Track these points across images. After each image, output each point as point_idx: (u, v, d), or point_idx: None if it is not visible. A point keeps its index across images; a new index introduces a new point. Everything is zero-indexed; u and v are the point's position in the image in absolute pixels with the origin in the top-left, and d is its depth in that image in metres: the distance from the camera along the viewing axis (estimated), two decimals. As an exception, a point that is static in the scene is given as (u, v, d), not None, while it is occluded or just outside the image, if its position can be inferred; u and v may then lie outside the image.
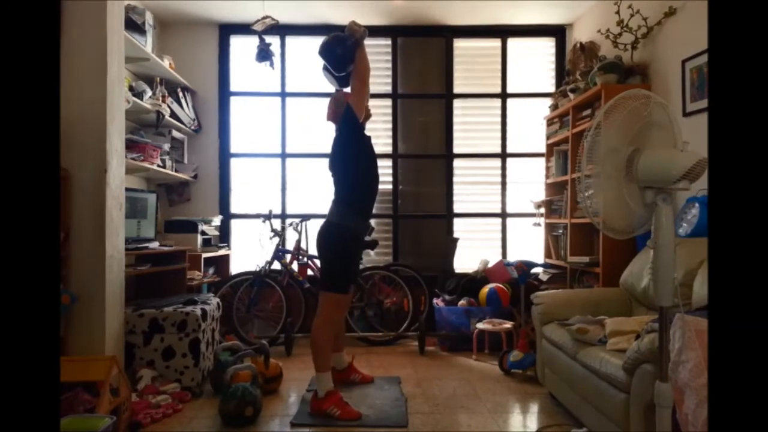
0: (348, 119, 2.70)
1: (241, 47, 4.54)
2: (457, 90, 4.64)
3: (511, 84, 4.63)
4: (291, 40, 4.59)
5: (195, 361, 2.88)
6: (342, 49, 2.71)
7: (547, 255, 4.21)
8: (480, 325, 3.73)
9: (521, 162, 4.64)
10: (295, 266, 4.10)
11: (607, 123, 1.66)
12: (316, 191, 4.51)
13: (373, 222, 4.53)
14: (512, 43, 4.63)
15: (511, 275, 3.82)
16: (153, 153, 3.60)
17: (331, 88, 4.51)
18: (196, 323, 2.89)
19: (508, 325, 3.68)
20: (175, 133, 4.19)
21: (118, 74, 2.78)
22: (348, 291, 2.77)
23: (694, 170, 1.48)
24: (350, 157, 2.73)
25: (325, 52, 2.75)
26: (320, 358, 2.66)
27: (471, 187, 4.66)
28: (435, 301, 4.21)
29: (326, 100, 2.92)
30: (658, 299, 1.60)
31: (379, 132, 4.62)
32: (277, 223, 4.40)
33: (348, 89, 2.84)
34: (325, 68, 2.84)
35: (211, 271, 4.12)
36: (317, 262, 4.12)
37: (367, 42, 4.54)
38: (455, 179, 4.64)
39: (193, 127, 4.35)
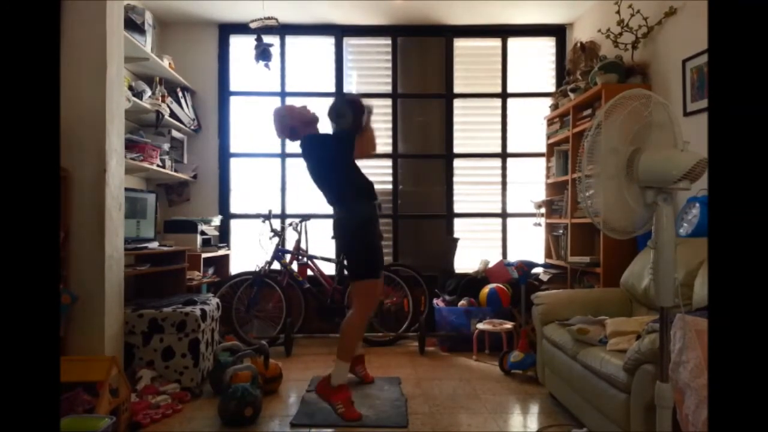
0: (343, 139, 2.71)
1: (241, 47, 4.53)
2: (457, 90, 4.64)
3: (512, 84, 4.63)
4: (291, 40, 4.59)
5: (194, 361, 2.87)
6: (350, 117, 2.69)
7: (548, 255, 4.20)
8: (480, 326, 3.73)
9: (521, 162, 4.63)
10: (294, 266, 4.09)
11: (608, 123, 1.66)
12: (315, 191, 4.49)
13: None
14: (512, 42, 4.63)
15: (511, 275, 3.82)
16: (152, 153, 3.60)
17: (328, 88, 4.57)
18: (195, 323, 2.88)
19: (508, 325, 3.68)
20: (175, 133, 4.19)
21: (117, 74, 2.77)
22: (379, 275, 2.74)
23: (695, 170, 1.48)
24: (341, 165, 2.73)
25: (334, 111, 2.74)
26: (347, 347, 2.66)
27: (471, 187, 4.66)
28: (435, 301, 4.21)
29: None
30: (658, 299, 1.60)
31: (379, 132, 4.60)
32: (276, 223, 4.40)
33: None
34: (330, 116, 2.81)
35: (210, 271, 4.12)
36: (318, 262, 4.12)
37: (367, 42, 4.63)
38: (455, 179, 4.63)
39: (192, 127, 4.35)
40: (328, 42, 4.59)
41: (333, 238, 2.94)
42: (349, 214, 2.71)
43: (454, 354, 3.87)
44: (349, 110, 2.69)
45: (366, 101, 2.77)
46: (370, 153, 2.79)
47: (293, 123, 2.83)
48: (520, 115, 4.64)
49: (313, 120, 2.88)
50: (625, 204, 1.64)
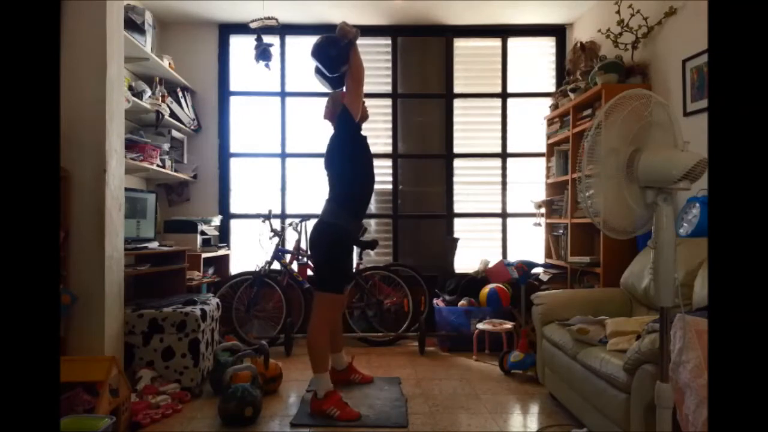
0: (343, 120, 2.72)
1: (241, 47, 4.54)
2: (457, 90, 4.64)
3: (512, 84, 4.63)
4: (291, 40, 4.59)
5: (194, 361, 2.87)
6: (336, 50, 2.71)
7: (548, 255, 4.20)
8: (480, 326, 3.73)
9: (521, 162, 4.63)
10: (294, 266, 4.09)
11: (608, 123, 1.66)
12: (315, 191, 4.51)
13: (373, 222, 4.56)
14: (512, 42, 4.63)
15: (511, 275, 3.82)
16: (152, 153, 3.60)
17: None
18: (195, 323, 2.88)
19: (508, 325, 3.68)
20: (175, 133, 4.19)
21: (117, 74, 2.77)
22: (342, 291, 2.75)
23: (695, 170, 1.48)
24: (345, 157, 2.74)
25: (318, 53, 2.74)
26: (318, 359, 2.66)
27: (471, 187, 4.66)
28: (435, 301, 4.21)
29: (325, 101, 2.95)
30: (658, 299, 1.60)
31: (379, 132, 4.61)
32: (276, 223, 4.40)
33: (344, 89, 2.85)
34: (317, 71, 2.85)
35: (210, 271, 4.11)
36: (317, 262, 4.12)
37: (367, 42, 4.63)
38: (455, 179, 4.64)
39: (192, 127, 4.35)
40: (328, 42, 4.58)
41: (308, 243, 2.88)
42: (329, 221, 2.68)
43: (454, 354, 3.87)
44: (335, 48, 2.69)
45: (345, 27, 2.72)
46: (359, 76, 2.73)
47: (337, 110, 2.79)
48: (520, 115, 4.64)
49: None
50: (625, 204, 1.64)
